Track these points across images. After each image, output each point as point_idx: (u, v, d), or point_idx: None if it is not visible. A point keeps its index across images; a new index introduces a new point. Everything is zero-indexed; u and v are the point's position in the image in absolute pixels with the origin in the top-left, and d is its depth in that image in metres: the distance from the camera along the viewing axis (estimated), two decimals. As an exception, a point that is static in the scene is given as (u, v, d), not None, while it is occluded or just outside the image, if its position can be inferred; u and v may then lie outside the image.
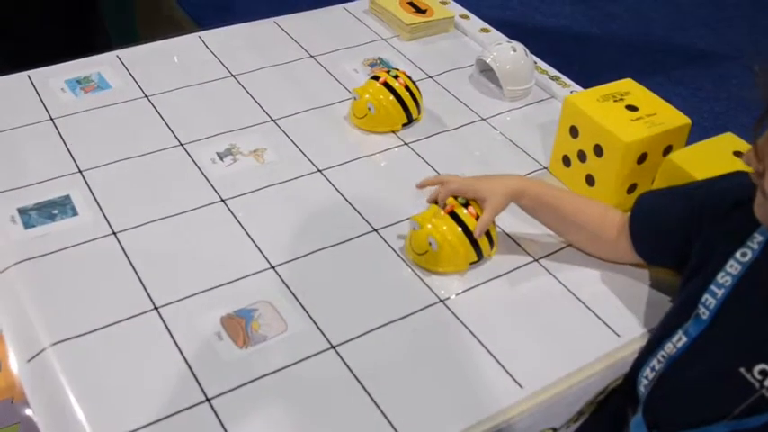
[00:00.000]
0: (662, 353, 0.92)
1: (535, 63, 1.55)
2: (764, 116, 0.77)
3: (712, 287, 0.90)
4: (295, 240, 1.14)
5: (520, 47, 1.51)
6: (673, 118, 1.22)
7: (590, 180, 1.25)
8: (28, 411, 0.96)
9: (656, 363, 0.93)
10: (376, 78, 1.38)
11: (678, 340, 0.91)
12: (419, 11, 1.69)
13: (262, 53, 1.57)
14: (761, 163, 0.78)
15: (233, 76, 1.50)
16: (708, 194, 1.00)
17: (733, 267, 0.89)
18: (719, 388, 0.85)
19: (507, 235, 1.18)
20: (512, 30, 1.72)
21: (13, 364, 0.99)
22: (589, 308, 1.08)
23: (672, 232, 1.03)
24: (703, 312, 0.89)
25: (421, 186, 1.19)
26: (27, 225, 1.14)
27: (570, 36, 3.32)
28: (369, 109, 1.35)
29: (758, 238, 0.89)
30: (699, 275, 0.94)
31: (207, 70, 1.51)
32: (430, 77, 1.55)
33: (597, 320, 1.06)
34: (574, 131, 1.25)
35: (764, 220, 0.83)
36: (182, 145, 1.31)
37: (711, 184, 1.02)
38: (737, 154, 1.14)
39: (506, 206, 1.11)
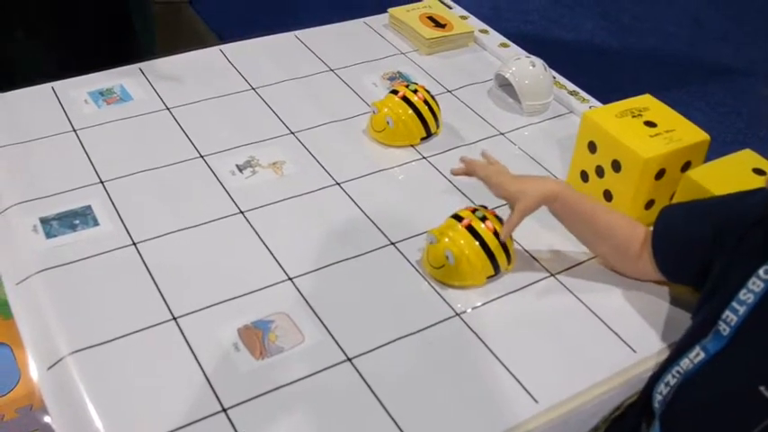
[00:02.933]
0: (677, 368, 0.92)
1: (554, 78, 1.56)
2: None
3: (734, 304, 0.89)
4: (313, 253, 1.15)
5: (539, 62, 1.52)
6: (691, 134, 1.22)
7: (608, 195, 1.25)
8: (47, 419, 0.97)
9: (671, 378, 0.92)
10: (395, 92, 1.39)
11: (696, 356, 0.91)
12: (438, 25, 1.70)
13: (282, 66, 1.59)
14: None
15: (253, 88, 1.51)
16: (729, 211, 1.00)
17: (755, 285, 0.88)
18: (738, 406, 0.85)
19: (524, 250, 1.18)
20: (531, 44, 1.72)
21: (33, 371, 1.01)
22: (605, 323, 1.08)
23: (694, 249, 1.02)
24: (723, 329, 0.89)
25: (456, 173, 1.19)
26: (48, 235, 1.15)
27: (589, 51, 3.31)
28: (387, 123, 1.36)
29: None
30: (720, 292, 0.93)
31: (227, 83, 1.53)
32: (449, 92, 1.55)
33: (613, 336, 1.06)
34: (592, 147, 1.25)
35: None
36: (202, 157, 1.32)
37: (733, 201, 1.02)
38: (758, 171, 1.14)
39: (537, 209, 1.10)
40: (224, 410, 0.92)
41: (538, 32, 3.40)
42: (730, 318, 0.89)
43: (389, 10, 1.75)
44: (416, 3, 1.80)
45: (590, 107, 1.51)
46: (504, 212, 1.15)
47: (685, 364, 0.91)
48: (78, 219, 1.18)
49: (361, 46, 1.69)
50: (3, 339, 1.88)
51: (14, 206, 1.20)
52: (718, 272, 0.97)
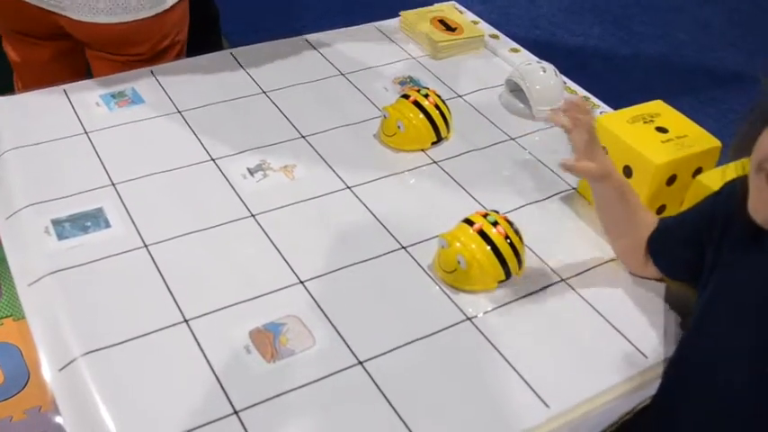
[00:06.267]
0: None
1: (564, 83, 1.56)
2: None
3: None
4: (324, 256, 1.15)
5: (550, 67, 1.52)
6: (703, 140, 1.22)
7: (619, 201, 1.25)
8: (57, 419, 0.97)
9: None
10: (406, 97, 1.39)
11: None
12: (449, 29, 1.70)
13: (293, 70, 1.59)
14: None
15: (264, 92, 1.52)
16: (715, 203, 1.02)
17: None
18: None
19: (535, 254, 1.18)
20: (541, 49, 1.73)
21: (45, 372, 1.01)
22: (616, 328, 1.08)
23: (685, 244, 1.05)
24: None
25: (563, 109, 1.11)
26: (60, 236, 1.16)
27: (600, 56, 3.31)
28: (398, 127, 1.36)
29: None
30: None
31: (238, 86, 1.53)
32: (459, 96, 1.55)
33: (624, 341, 1.06)
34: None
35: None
36: (213, 160, 1.33)
37: (718, 192, 1.04)
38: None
39: (601, 173, 1.09)
40: (236, 413, 0.93)
41: (547, 38, 3.40)
42: None
43: (401, 13, 1.76)
44: (428, 6, 1.80)
45: (601, 113, 1.51)
46: (515, 217, 1.15)
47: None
48: (90, 221, 1.19)
49: (373, 50, 1.69)
50: (13, 341, 1.89)
51: (27, 208, 1.20)
52: (708, 265, 1.00)
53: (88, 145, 1.34)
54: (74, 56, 1.63)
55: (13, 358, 1.85)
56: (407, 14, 1.75)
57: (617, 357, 1.04)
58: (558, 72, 1.52)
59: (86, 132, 1.37)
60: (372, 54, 1.67)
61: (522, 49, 1.72)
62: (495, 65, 1.67)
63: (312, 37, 1.71)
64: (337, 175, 1.32)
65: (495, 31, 1.77)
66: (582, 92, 1.59)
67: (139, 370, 0.98)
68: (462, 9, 1.85)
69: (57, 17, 1.47)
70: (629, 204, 1.13)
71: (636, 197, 1.14)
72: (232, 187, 1.27)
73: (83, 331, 1.01)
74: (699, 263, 1.02)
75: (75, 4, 1.43)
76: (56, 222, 1.18)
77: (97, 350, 0.99)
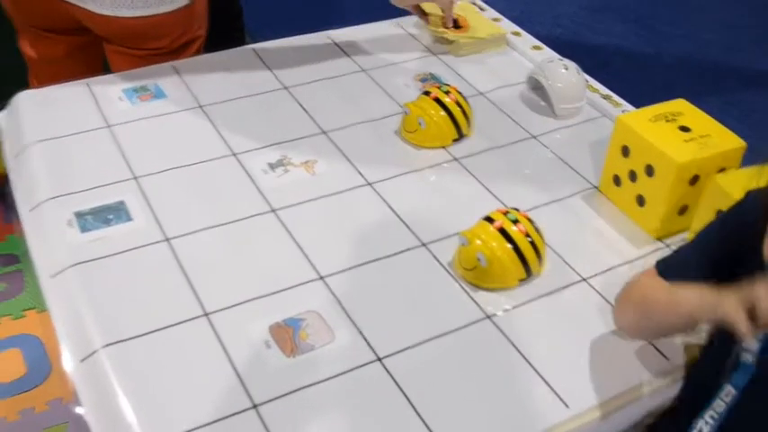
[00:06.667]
0: (711, 412, 0.88)
1: (587, 81, 1.55)
2: None
3: None
4: (344, 252, 1.15)
5: (572, 65, 1.51)
6: (726, 140, 1.21)
7: (640, 200, 1.24)
8: (78, 410, 0.98)
9: (703, 425, 0.88)
10: (427, 93, 1.39)
11: (726, 395, 0.88)
12: (456, 26, 1.68)
13: (314, 66, 1.59)
14: None
15: (285, 88, 1.52)
16: (740, 212, 0.93)
17: None
18: None
19: (556, 253, 1.18)
20: (563, 48, 1.71)
21: (66, 364, 1.02)
22: (637, 329, 1.07)
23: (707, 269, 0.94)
24: (746, 357, 0.85)
25: None
26: (83, 229, 1.17)
27: (622, 55, 3.29)
28: (419, 124, 1.36)
29: None
30: None
31: (260, 82, 1.53)
32: (481, 94, 1.55)
33: (645, 342, 1.05)
34: (625, 151, 1.25)
35: None
36: (234, 155, 1.33)
37: (743, 201, 0.95)
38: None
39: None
40: (255, 407, 0.93)
41: (569, 37, 3.39)
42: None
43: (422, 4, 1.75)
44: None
45: (623, 111, 1.50)
46: (536, 215, 1.15)
47: (718, 406, 0.88)
48: (112, 213, 1.20)
49: (394, 46, 1.68)
50: (35, 332, 1.91)
51: (50, 200, 1.21)
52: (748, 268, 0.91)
53: (111, 139, 1.35)
54: (90, 51, 1.63)
55: (36, 350, 1.87)
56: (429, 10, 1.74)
57: (638, 358, 1.03)
58: (580, 70, 1.51)
59: (109, 126, 1.38)
60: (394, 50, 1.67)
61: (544, 46, 1.71)
62: (517, 62, 1.67)
63: (334, 33, 1.71)
64: (358, 171, 1.32)
65: (518, 29, 1.77)
66: (604, 90, 1.58)
67: (159, 362, 0.98)
68: (484, 6, 1.84)
69: (75, 10, 1.48)
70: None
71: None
72: (253, 182, 1.28)
73: (104, 323, 1.02)
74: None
75: None
76: (79, 215, 1.19)
77: (118, 342, 1.00)
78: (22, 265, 2.02)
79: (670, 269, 0.98)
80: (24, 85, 1.61)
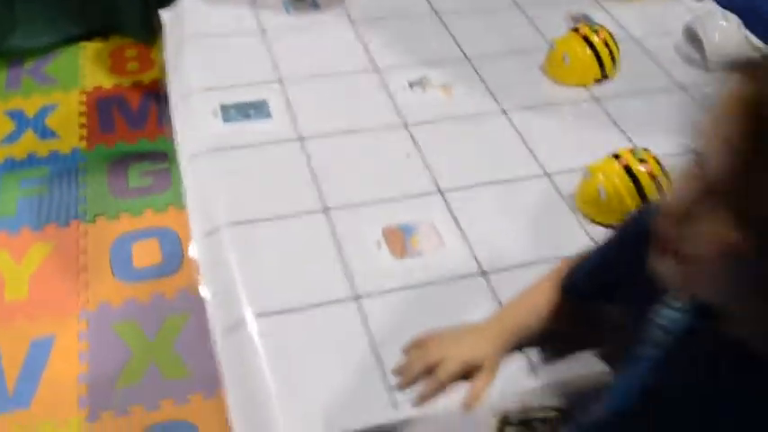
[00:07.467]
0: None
1: (747, 38, 1.48)
2: None
3: None
4: (466, 171, 1.17)
5: (733, 19, 1.44)
6: None
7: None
8: (203, 294, 1.03)
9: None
10: (576, 30, 1.37)
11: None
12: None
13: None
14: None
15: (435, 12, 1.53)
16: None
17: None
18: None
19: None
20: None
21: (193, 247, 1.08)
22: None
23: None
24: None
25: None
26: (226, 120, 1.24)
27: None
28: (563, 59, 1.35)
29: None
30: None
31: (412, 5, 1.56)
32: (633, 39, 1.51)
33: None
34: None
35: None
36: (377, 69, 1.37)
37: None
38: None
39: (492, 376, 0.89)
40: (356, 299, 0.97)
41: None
42: None
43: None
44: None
45: (783, 74, 1.42)
46: (669, 162, 1.12)
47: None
48: (254, 109, 1.26)
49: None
50: (174, 227, 2.03)
51: (200, 91, 1.29)
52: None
53: (263, 42, 1.42)
54: None
55: (173, 243, 1.99)
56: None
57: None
58: (742, 25, 1.44)
59: (263, 30, 1.44)
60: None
61: (707, -2, 1.64)
62: (676, 12, 1.60)
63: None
64: (494, 98, 1.32)
65: (682, -22, 1.70)
66: (766, 49, 1.50)
67: (278, 248, 1.04)
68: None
69: None
70: (544, 322, 0.92)
71: (535, 319, 0.92)
72: (390, 97, 1.31)
73: (232, 203, 1.09)
74: None
75: None
76: (223, 107, 1.26)
77: (241, 223, 1.06)
78: (170, 165, 2.12)
79: (574, 287, 0.91)
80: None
